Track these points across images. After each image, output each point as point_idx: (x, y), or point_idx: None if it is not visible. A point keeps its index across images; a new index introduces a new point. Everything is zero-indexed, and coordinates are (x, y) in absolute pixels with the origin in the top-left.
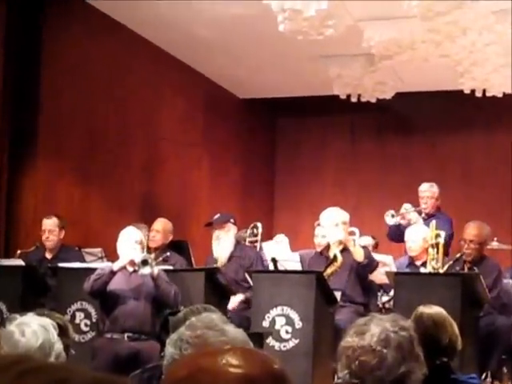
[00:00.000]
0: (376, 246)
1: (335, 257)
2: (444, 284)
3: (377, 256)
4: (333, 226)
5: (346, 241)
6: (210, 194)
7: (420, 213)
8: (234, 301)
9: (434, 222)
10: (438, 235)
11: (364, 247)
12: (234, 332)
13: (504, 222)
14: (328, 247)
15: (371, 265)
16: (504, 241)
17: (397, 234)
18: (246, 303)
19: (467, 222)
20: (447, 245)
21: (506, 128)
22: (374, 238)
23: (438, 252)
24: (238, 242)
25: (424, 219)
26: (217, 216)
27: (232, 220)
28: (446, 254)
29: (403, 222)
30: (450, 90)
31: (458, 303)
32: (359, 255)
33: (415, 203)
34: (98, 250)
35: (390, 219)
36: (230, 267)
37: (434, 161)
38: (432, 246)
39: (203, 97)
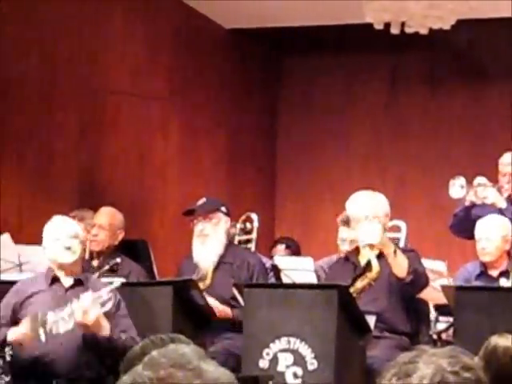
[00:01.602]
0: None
1: (369, 264)
2: None
3: (426, 263)
4: (363, 220)
5: (382, 245)
6: (180, 171)
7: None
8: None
9: None
10: None
11: (411, 251)
12: (216, 373)
13: None
14: (357, 250)
15: (418, 283)
16: None
17: (467, 224)
18: (235, 327)
19: None
20: None
21: None
22: None
23: None
24: (231, 243)
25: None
26: (202, 201)
27: (224, 208)
28: None
29: (476, 201)
30: None
31: None
32: (400, 268)
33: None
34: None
35: (458, 191)
36: (218, 279)
37: None
38: None
39: (172, 29)
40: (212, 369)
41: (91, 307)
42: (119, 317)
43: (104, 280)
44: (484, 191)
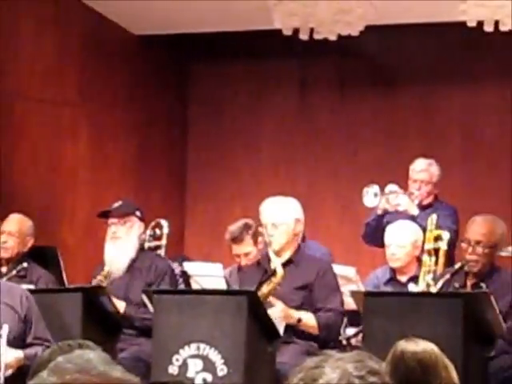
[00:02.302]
0: None
1: (275, 270)
2: (437, 309)
3: (335, 268)
4: (271, 226)
5: (286, 317)
6: (89, 177)
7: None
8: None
9: (433, 217)
10: (438, 237)
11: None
12: (123, 379)
13: None
14: (269, 256)
15: (329, 338)
16: None
17: (379, 233)
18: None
19: (472, 217)
20: (451, 250)
21: None
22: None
23: (437, 262)
24: (142, 248)
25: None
26: (117, 204)
27: (138, 213)
28: (448, 263)
29: (389, 208)
30: (447, 21)
31: (457, 337)
32: (311, 330)
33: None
34: None
35: (372, 199)
36: (125, 283)
37: (424, 127)
38: (429, 252)
39: (82, 35)
40: (118, 374)
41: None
42: (33, 322)
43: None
44: (396, 198)
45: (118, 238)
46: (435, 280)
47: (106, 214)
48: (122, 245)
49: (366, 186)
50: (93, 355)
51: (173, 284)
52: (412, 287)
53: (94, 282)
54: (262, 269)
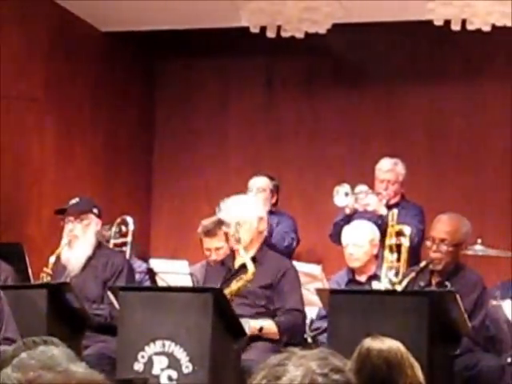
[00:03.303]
0: None
1: (244, 266)
2: (403, 307)
3: (301, 266)
4: (234, 225)
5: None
6: (56, 174)
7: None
8: None
9: (394, 212)
10: (400, 232)
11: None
12: (86, 375)
13: (492, 214)
14: (233, 255)
15: (294, 339)
16: (492, 243)
17: None
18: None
19: (437, 215)
20: (417, 248)
21: (495, 77)
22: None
23: (399, 258)
24: (100, 244)
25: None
26: (74, 201)
27: (95, 210)
28: (413, 261)
29: (359, 208)
30: (414, 20)
31: (423, 335)
32: (272, 336)
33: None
34: None
35: (342, 199)
36: (82, 280)
37: (389, 125)
38: (390, 248)
39: (48, 31)
40: (81, 370)
41: None
42: (3, 323)
43: None
44: (366, 198)
45: (74, 236)
46: (398, 277)
47: (63, 211)
48: (78, 243)
49: (338, 185)
50: (56, 351)
51: (130, 279)
52: (375, 284)
53: (42, 275)
54: (226, 267)
